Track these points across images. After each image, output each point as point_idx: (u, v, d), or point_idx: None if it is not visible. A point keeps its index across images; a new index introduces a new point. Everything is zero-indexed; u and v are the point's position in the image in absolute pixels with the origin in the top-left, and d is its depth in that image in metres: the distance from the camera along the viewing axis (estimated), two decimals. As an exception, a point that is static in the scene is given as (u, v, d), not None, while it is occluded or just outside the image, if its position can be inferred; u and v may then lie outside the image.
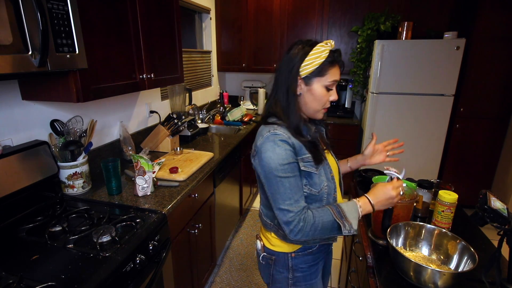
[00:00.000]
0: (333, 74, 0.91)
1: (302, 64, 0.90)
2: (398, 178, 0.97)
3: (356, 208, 0.91)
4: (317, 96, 0.93)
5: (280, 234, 1.01)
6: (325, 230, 0.90)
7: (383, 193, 0.93)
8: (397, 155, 1.17)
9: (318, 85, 0.92)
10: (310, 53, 0.90)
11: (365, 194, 0.95)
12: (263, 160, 0.88)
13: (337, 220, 0.88)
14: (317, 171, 0.94)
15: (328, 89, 0.93)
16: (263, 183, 0.93)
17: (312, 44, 0.91)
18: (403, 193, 0.95)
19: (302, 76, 0.92)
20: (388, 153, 1.16)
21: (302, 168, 0.91)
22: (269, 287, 1.13)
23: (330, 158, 1.07)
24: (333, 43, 0.91)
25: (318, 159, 0.93)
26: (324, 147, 1.04)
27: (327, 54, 0.89)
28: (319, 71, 0.90)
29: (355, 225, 0.89)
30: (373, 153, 1.17)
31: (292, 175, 0.88)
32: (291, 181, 0.88)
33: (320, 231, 0.89)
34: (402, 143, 1.18)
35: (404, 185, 1.01)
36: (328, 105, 0.97)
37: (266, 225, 1.06)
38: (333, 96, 0.95)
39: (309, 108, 0.96)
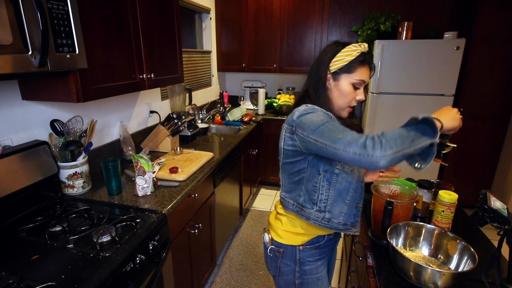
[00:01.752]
0: (362, 74, 0.95)
1: (333, 60, 0.95)
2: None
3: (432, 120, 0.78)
4: (343, 92, 0.96)
5: (304, 214, 1.01)
6: (407, 138, 0.75)
7: (448, 110, 0.82)
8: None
9: (345, 82, 0.96)
10: (342, 50, 0.95)
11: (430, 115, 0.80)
12: (305, 123, 0.88)
13: (420, 117, 0.76)
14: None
15: (355, 87, 0.96)
16: (313, 140, 0.85)
17: (346, 44, 0.96)
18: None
19: (332, 71, 0.96)
20: (381, 173, 1.15)
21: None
22: (275, 279, 1.15)
23: None
24: (366, 46, 0.96)
25: None
26: None
27: (358, 53, 0.93)
28: (348, 68, 0.94)
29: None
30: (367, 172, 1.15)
31: (335, 122, 0.86)
32: (335, 124, 0.85)
33: (404, 139, 0.75)
34: (398, 170, 1.14)
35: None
36: (354, 103, 0.99)
37: (287, 207, 1.06)
38: (360, 95, 0.98)
39: (335, 104, 0.99)
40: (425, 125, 0.77)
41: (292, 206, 1.04)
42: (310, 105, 0.95)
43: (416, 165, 0.81)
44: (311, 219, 1.00)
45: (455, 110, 0.84)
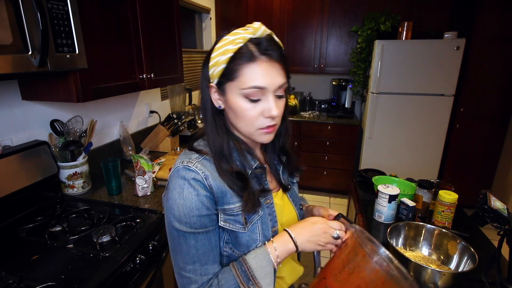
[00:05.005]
0: (253, 76, 0.59)
1: (210, 64, 0.63)
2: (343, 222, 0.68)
3: (268, 258, 0.63)
4: (236, 110, 0.62)
5: None
6: None
7: (310, 224, 0.66)
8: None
9: (233, 94, 0.62)
10: (217, 46, 0.62)
11: (287, 228, 0.67)
12: (168, 200, 0.62)
13: (242, 286, 0.60)
14: (245, 229, 0.65)
15: (251, 99, 0.61)
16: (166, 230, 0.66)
17: (229, 33, 0.63)
18: (338, 236, 0.64)
19: (214, 82, 0.64)
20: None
21: (222, 224, 0.63)
22: None
23: (286, 203, 0.77)
24: (257, 25, 0.60)
25: (249, 204, 0.64)
26: (273, 187, 0.75)
27: (241, 44, 0.59)
28: (229, 72, 0.60)
29: (268, 286, 0.61)
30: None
31: (203, 231, 0.61)
32: (200, 239, 0.61)
33: None
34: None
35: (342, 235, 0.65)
36: (266, 122, 0.62)
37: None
38: (268, 110, 0.61)
39: (239, 129, 0.67)
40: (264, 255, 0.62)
41: None
42: (191, 162, 0.63)
43: None
44: None
45: (320, 230, 0.64)
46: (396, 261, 0.58)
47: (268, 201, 0.71)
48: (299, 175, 0.85)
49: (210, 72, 0.64)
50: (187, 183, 0.61)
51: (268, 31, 0.62)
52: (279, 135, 0.74)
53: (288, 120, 0.76)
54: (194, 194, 0.60)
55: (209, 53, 0.64)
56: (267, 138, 0.66)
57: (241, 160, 0.68)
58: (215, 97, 0.66)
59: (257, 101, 0.61)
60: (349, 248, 0.61)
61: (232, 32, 0.62)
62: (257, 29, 0.60)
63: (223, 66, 0.61)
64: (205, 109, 0.68)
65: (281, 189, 0.77)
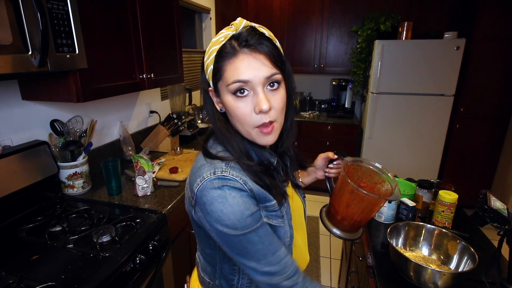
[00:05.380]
0: (233, 71, 0.57)
1: (204, 67, 0.64)
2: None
3: None
4: (229, 110, 0.61)
5: None
6: None
7: None
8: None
9: (223, 93, 0.61)
10: (207, 49, 0.62)
11: None
12: (210, 215, 0.58)
13: None
14: (283, 222, 0.67)
15: (238, 96, 0.58)
16: (214, 238, 0.63)
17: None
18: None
19: (210, 85, 0.64)
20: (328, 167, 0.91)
21: (265, 220, 0.63)
22: None
23: (294, 195, 0.81)
24: (238, 21, 0.59)
25: (279, 196, 0.65)
26: (286, 183, 0.77)
27: (223, 42, 0.59)
28: (216, 72, 0.60)
29: None
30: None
31: (260, 224, 0.61)
32: (261, 232, 0.60)
33: None
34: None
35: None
36: (260, 120, 0.59)
37: (203, 283, 0.79)
38: (256, 104, 0.58)
39: (238, 129, 0.64)
40: None
41: (207, 285, 0.77)
42: (225, 172, 0.59)
43: None
44: None
45: None
46: (362, 160, 0.84)
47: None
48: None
49: (206, 76, 0.64)
50: (227, 190, 0.58)
51: (250, 24, 0.60)
52: (282, 135, 0.69)
53: (293, 119, 0.70)
54: (238, 196, 0.58)
55: (203, 58, 0.64)
56: (266, 139, 0.61)
57: (260, 158, 0.67)
58: (215, 100, 0.65)
59: (246, 97, 0.59)
60: (340, 177, 0.78)
61: (219, 32, 0.61)
62: (238, 24, 0.59)
63: (211, 67, 0.60)
64: (211, 114, 0.67)
65: (290, 182, 0.79)
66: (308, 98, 3.58)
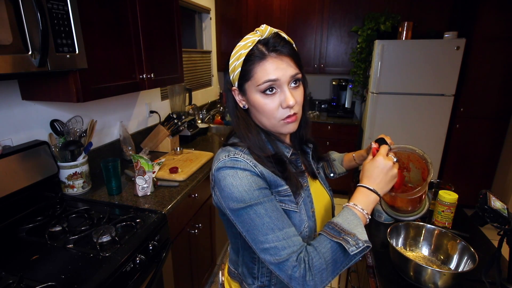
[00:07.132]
0: (264, 72, 0.65)
1: (229, 70, 0.71)
2: (379, 144, 0.79)
3: (352, 212, 0.65)
4: (257, 107, 0.69)
5: None
6: (334, 263, 0.62)
7: (376, 169, 0.70)
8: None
9: (252, 93, 0.68)
10: (232, 53, 0.70)
11: (358, 184, 0.72)
12: (223, 189, 0.65)
13: (335, 240, 0.61)
14: (297, 208, 0.70)
15: (267, 93, 0.66)
16: (232, 220, 0.69)
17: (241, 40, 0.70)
18: (396, 160, 0.73)
19: (235, 85, 0.71)
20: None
21: (278, 204, 0.67)
22: None
23: (318, 188, 0.83)
24: (263, 28, 0.67)
25: (293, 186, 0.70)
26: (307, 173, 0.81)
27: (251, 47, 0.66)
28: (245, 74, 0.67)
29: (362, 235, 0.61)
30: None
31: (268, 199, 0.65)
32: (268, 207, 0.64)
33: (332, 266, 0.61)
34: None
35: (392, 156, 0.75)
36: (286, 112, 0.67)
37: (230, 273, 0.85)
38: (285, 100, 0.66)
39: (263, 124, 0.72)
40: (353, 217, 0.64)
41: (233, 274, 0.84)
42: (237, 155, 0.67)
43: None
44: None
45: (387, 162, 0.70)
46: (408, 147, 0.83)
47: (304, 184, 0.77)
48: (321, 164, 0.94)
49: (231, 78, 0.71)
50: (238, 170, 0.65)
51: (275, 30, 0.68)
52: (300, 127, 0.78)
53: (307, 112, 0.81)
54: (248, 174, 0.65)
55: (227, 61, 0.72)
56: (290, 127, 0.70)
57: (276, 150, 0.73)
58: (238, 98, 0.73)
59: (274, 94, 0.67)
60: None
61: (244, 38, 0.69)
62: (264, 30, 0.67)
63: (239, 69, 0.68)
64: (232, 111, 0.75)
65: (312, 175, 0.83)
66: (308, 98, 3.57)
